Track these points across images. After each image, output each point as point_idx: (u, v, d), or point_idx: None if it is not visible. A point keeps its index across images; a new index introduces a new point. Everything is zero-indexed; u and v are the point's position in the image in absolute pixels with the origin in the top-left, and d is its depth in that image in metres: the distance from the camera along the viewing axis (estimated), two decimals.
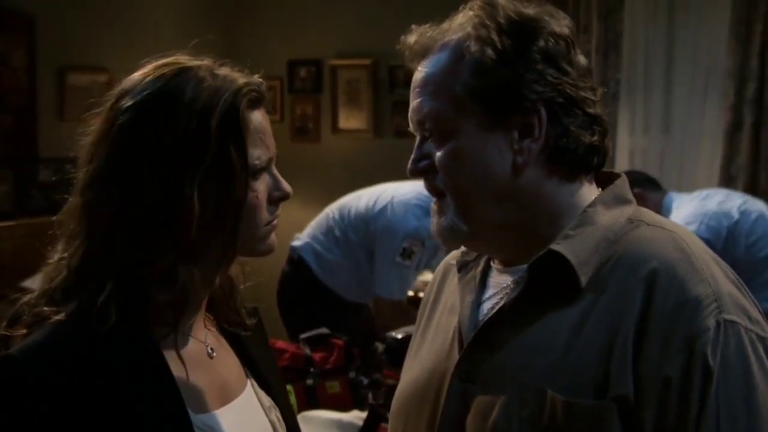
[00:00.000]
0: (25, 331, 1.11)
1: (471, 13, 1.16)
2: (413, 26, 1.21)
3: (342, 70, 5.38)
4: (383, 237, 3.46)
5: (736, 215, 3.46)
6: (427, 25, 1.20)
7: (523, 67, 1.12)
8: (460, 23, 1.17)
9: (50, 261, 1.16)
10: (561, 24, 1.16)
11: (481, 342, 1.16)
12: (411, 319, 3.61)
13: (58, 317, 1.10)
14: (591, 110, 1.15)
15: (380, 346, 2.79)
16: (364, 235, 3.53)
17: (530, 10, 1.15)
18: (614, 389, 1.05)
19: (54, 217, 1.18)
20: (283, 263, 3.74)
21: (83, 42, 5.06)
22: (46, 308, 1.11)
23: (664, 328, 1.05)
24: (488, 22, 1.13)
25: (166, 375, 1.13)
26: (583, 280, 1.11)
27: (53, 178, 1.35)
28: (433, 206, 1.21)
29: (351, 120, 5.40)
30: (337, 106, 5.41)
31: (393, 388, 2.62)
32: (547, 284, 1.13)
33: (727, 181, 4.18)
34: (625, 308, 1.07)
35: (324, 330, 3.09)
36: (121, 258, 1.11)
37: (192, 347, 1.20)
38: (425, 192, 3.79)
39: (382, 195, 3.59)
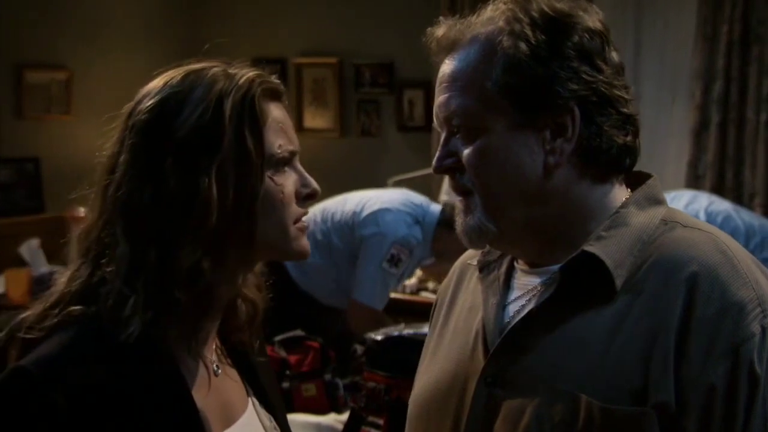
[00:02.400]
0: (42, 333, 1.07)
1: (503, 6, 1.12)
2: (440, 18, 1.17)
3: (307, 69, 5.33)
4: (371, 242, 3.41)
5: (702, 217, 3.48)
6: (455, 18, 1.16)
7: (557, 64, 1.08)
8: (490, 17, 1.13)
9: (62, 276, 1.13)
10: (595, 19, 1.12)
11: (509, 345, 1.12)
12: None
13: (76, 321, 1.07)
14: (625, 109, 1.12)
15: (359, 348, 2.75)
16: (350, 239, 3.48)
17: (563, 5, 1.12)
18: (654, 396, 1.02)
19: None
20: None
21: (42, 39, 4.96)
22: (69, 309, 1.08)
23: (707, 334, 1.02)
24: (522, 16, 1.10)
25: (185, 397, 1.09)
26: (618, 282, 1.08)
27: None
28: (459, 204, 1.17)
29: (317, 119, 5.35)
30: (302, 105, 5.36)
31: (373, 390, 2.62)
32: (580, 286, 1.09)
33: (695, 179, 4.21)
34: (664, 312, 1.04)
35: (299, 332, 3.05)
36: (150, 256, 1.08)
37: (200, 363, 1.16)
38: (414, 200, 3.73)
39: (370, 201, 3.54)
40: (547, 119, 1.09)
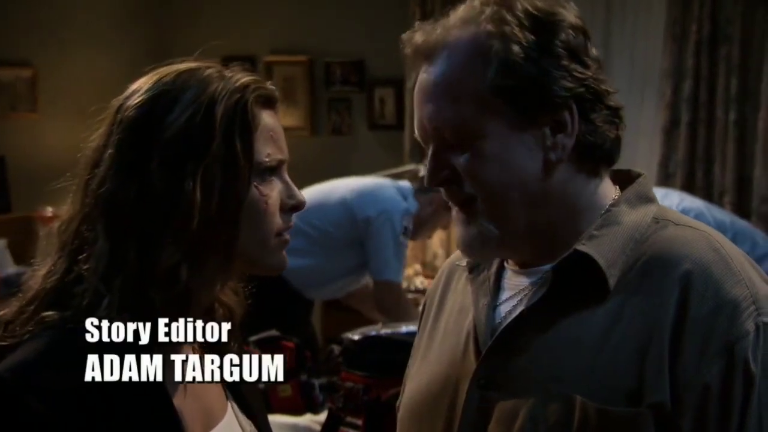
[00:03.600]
0: (17, 339, 1.04)
1: (481, 7, 1.11)
2: (416, 24, 1.14)
3: (277, 67, 5.29)
4: (381, 221, 3.41)
5: None
6: (430, 22, 1.13)
7: (549, 63, 1.07)
8: (465, 17, 1.11)
9: (39, 270, 1.11)
10: (573, 15, 1.12)
11: (501, 347, 1.12)
12: (407, 307, 3.62)
13: (52, 326, 1.04)
14: (612, 103, 1.12)
15: (336, 348, 2.73)
16: (349, 225, 3.46)
17: (544, 3, 1.11)
18: (649, 396, 1.02)
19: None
20: None
21: (6, 36, 4.88)
22: (44, 314, 1.05)
23: (701, 333, 1.02)
24: (509, 18, 1.08)
25: (164, 401, 1.07)
26: (611, 282, 1.07)
27: None
28: (458, 215, 1.15)
29: (287, 117, 5.31)
30: None
31: (351, 390, 2.60)
32: (572, 286, 1.09)
33: (665, 178, 4.24)
34: (658, 312, 1.04)
35: (274, 332, 3.03)
36: (130, 255, 1.06)
37: (181, 366, 1.13)
38: (387, 180, 3.72)
39: (358, 184, 3.56)
40: (545, 117, 1.08)
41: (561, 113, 1.08)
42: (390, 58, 5.20)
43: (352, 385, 2.55)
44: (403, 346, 2.60)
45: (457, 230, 1.16)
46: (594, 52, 1.13)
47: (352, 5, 5.16)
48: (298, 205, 1.16)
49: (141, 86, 1.12)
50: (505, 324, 1.13)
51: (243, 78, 1.12)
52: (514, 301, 1.15)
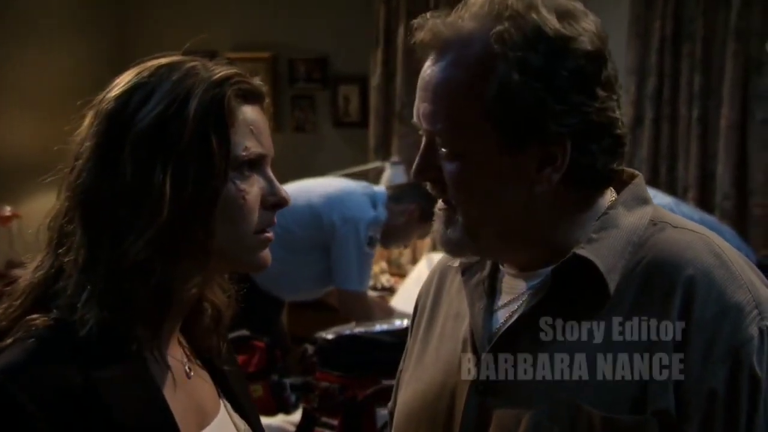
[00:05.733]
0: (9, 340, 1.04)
1: (500, 14, 1.05)
2: (428, 14, 1.10)
3: (239, 64, 5.15)
4: (346, 229, 3.37)
5: None
6: (442, 13, 1.09)
7: (551, 95, 1.02)
8: (479, 25, 1.06)
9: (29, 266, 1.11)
10: (593, 35, 1.05)
11: (500, 352, 1.10)
12: (384, 310, 3.59)
13: (41, 325, 1.04)
14: (617, 131, 1.08)
15: (310, 348, 2.71)
16: (314, 227, 3.41)
17: (561, 24, 1.04)
18: (654, 403, 1.01)
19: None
20: None
21: None
22: (34, 316, 1.05)
23: (705, 338, 1.01)
24: (516, 39, 1.03)
25: (158, 399, 1.07)
26: (612, 287, 1.06)
27: None
28: (439, 212, 1.13)
29: None
30: None
31: (326, 390, 2.58)
32: (570, 290, 1.08)
33: None
34: (660, 317, 1.03)
35: (244, 332, 2.99)
36: (104, 246, 1.05)
37: (170, 363, 1.13)
38: (359, 184, 3.70)
39: (327, 188, 3.51)
40: (535, 149, 1.05)
41: (551, 147, 1.05)
42: (354, 55, 5.19)
43: (327, 384, 2.54)
44: (378, 345, 2.60)
45: (435, 226, 1.14)
46: (611, 71, 1.07)
47: (315, 1, 5.12)
48: (281, 202, 1.14)
49: (122, 79, 1.11)
50: (503, 329, 1.11)
51: (223, 71, 1.10)
52: (513, 306, 1.13)
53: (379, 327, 2.69)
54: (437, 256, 4.69)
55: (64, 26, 5.15)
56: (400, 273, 4.66)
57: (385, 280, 4.55)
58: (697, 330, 1.02)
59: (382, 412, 2.44)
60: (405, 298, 4.18)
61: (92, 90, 1.13)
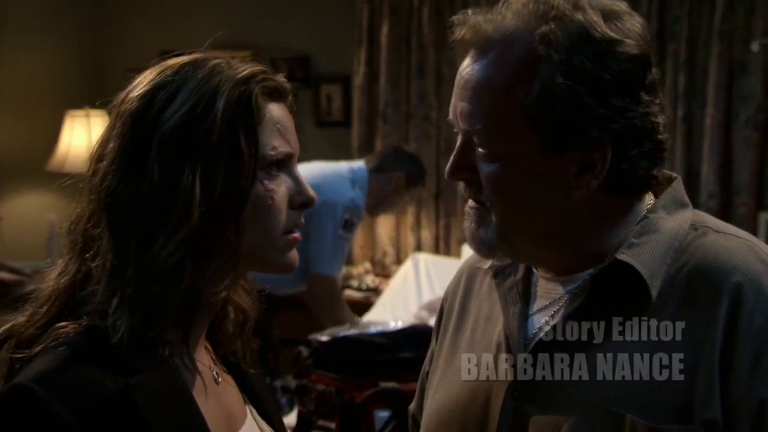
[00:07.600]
0: (32, 353, 1.02)
1: (545, 14, 1.02)
2: (468, 11, 1.07)
3: None
4: (322, 212, 3.34)
5: None
6: (484, 10, 1.07)
7: (595, 99, 1.00)
8: (523, 24, 1.03)
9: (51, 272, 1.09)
10: (639, 38, 1.04)
11: (537, 358, 1.08)
12: (341, 303, 3.53)
13: (72, 332, 1.02)
14: (659, 136, 1.07)
15: (304, 351, 2.68)
16: None
17: (607, 26, 1.01)
18: (701, 413, 0.99)
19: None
20: None
21: None
22: (63, 323, 1.03)
23: (754, 347, 1.00)
24: (561, 39, 1.01)
25: (191, 406, 1.05)
26: (654, 293, 1.04)
27: None
28: (470, 211, 1.11)
29: None
30: None
31: (323, 393, 2.54)
32: (610, 296, 1.06)
33: None
34: (706, 325, 1.02)
35: None
36: (132, 251, 1.03)
37: (200, 369, 1.10)
38: (341, 165, 3.68)
39: (305, 172, 3.47)
40: (575, 154, 1.03)
41: (591, 154, 1.03)
42: (336, 54, 5.15)
43: (324, 387, 2.51)
44: (374, 347, 2.57)
45: (465, 224, 1.12)
46: (654, 75, 1.06)
47: (297, 0, 5.08)
48: (308, 202, 1.12)
49: (144, 78, 1.08)
50: (540, 335, 1.10)
51: (249, 69, 1.08)
52: (550, 311, 1.11)
53: (374, 329, 2.67)
54: (423, 256, 4.69)
55: (41, 26, 5.06)
56: (385, 273, 4.64)
57: (370, 280, 4.53)
58: (744, 338, 1.00)
59: (381, 415, 2.42)
60: (391, 298, 4.16)
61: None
